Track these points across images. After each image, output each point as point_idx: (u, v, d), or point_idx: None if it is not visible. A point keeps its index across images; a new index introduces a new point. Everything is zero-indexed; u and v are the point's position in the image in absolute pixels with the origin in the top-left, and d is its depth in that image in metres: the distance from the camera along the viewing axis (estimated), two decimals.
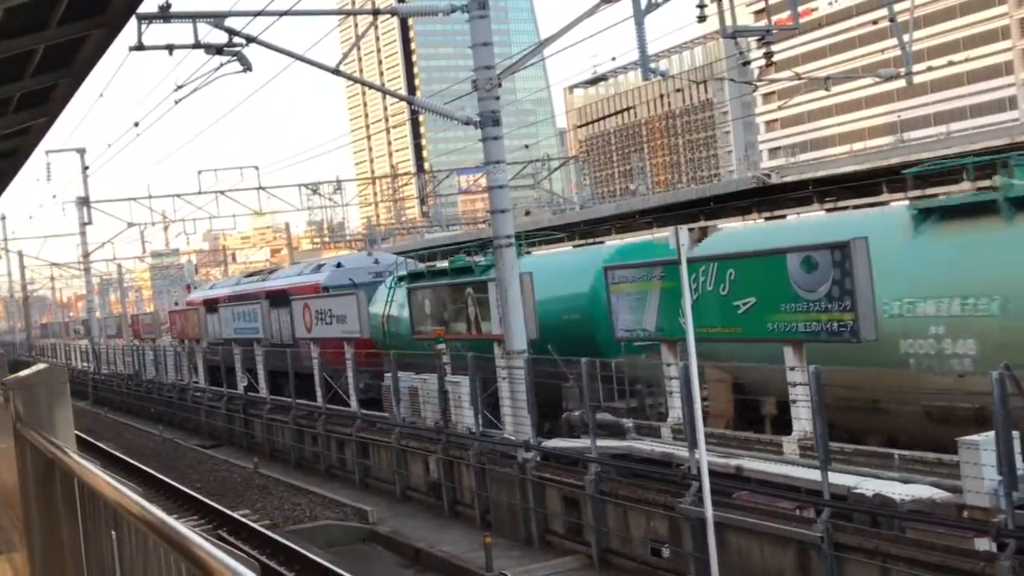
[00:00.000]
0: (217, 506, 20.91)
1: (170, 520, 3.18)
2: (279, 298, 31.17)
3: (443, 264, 27.51)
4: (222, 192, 52.00)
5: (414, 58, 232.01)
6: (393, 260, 30.50)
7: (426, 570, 16.79)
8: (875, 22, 57.07)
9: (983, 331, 12.32)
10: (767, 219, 34.09)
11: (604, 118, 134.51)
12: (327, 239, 78.05)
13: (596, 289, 19.16)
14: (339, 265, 31.81)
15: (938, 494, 11.11)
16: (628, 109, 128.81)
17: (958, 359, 12.55)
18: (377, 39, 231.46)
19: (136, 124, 40.34)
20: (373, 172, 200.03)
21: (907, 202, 21.39)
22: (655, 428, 16.40)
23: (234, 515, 19.91)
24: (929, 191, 30.60)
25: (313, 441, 25.65)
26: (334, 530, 19.26)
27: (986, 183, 15.16)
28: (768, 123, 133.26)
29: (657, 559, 14.15)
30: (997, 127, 75.68)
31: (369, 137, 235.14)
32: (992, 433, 10.16)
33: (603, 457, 15.66)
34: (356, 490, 22.53)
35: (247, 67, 18.63)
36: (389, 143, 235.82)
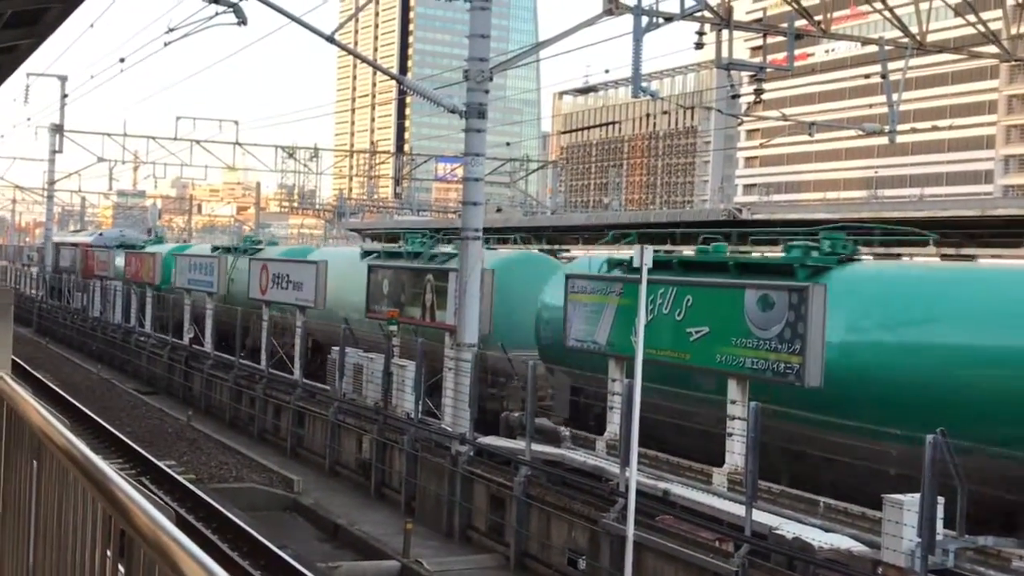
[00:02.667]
0: (144, 452, 20.78)
1: (93, 456, 3.17)
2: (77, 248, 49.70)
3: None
4: (198, 141, 51.60)
5: (410, 39, 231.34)
6: (136, 236, 53.00)
7: (343, 547, 16.77)
8: (867, 76, 57.64)
9: None
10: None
11: (588, 128, 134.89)
12: (296, 204, 77.67)
13: None
14: (101, 235, 54.21)
15: (856, 546, 11.23)
16: (613, 123, 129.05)
17: None
18: (376, 15, 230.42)
19: (122, 60, 39.86)
20: (352, 145, 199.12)
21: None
22: (591, 440, 16.47)
23: (159, 464, 19.80)
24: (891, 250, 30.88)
25: (251, 403, 25.54)
26: (257, 494, 19.20)
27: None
28: (748, 159, 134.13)
29: (573, 569, 14.22)
30: (971, 197, 76.73)
31: (354, 111, 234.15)
32: (918, 495, 10.30)
33: (535, 461, 15.71)
34: (286, 458, 22.46)
35: (242, 21, 18.52)
36: (372, 119, 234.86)
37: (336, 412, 21.27)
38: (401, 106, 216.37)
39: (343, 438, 21.16)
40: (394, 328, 20.85)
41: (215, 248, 37.10)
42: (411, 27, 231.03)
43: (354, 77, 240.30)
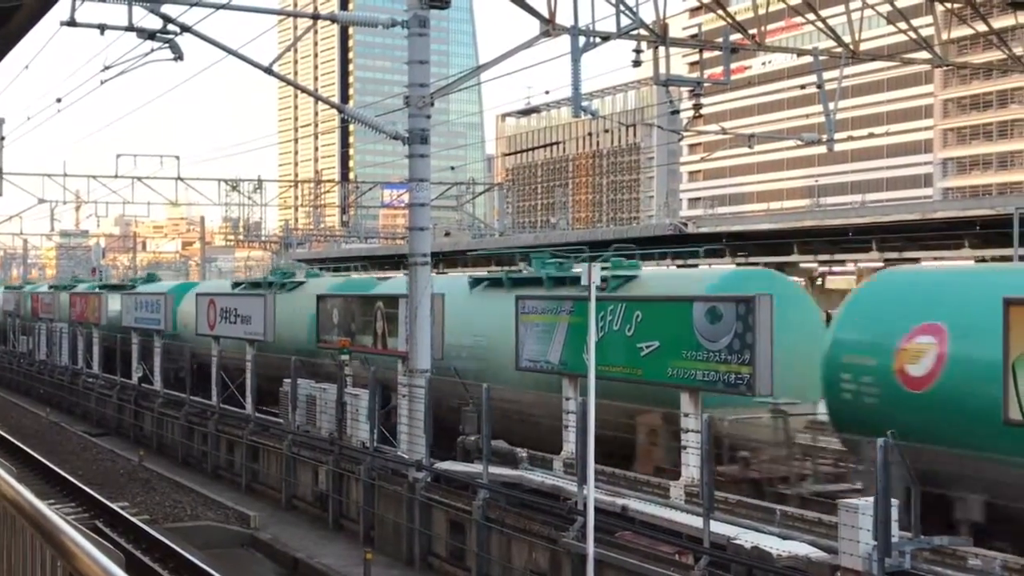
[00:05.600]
0: (96, 495, 20.48)
1: (39, 504, 3.13)
2: None
3: None
4: (139, 178, 51.17)
5: (350, 67, 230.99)
6: None
7: None
8: (803, 87, 58.43)
9: None
10: (680, 266, 34.46)
11: (532, 149, 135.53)
12: (242, 238, 77.18)
13: None
14: None
15: (814, 552, 11.30)
16: (556, 143, 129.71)
17: None
18: (315, 44, 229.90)
19: (59, 100, 39.50)
20: (296, 175, 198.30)
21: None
22: (548, 460, 16.48)
23: (112, 506, 19.52)
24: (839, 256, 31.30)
25: (203, 439, 25.27)
26: (213, 531, 18.97)
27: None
28: (691, 173, 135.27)
29: None
30: (911, 202, 77.85)
31: (296, 140, 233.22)
32: (872, 498, 10.40)
33: (494, 484, 15.68)
34: (241, 494, 22.23)
35: (179, 56, 18.41)
36: (316, 148, 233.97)
37: (290, 445, 21.10)
38: (344, 134, 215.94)
39: (299, 471, 20.99)
40: (346, 357, 20.74)
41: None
42: (350, 55, 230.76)
43: (296, 107, 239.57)
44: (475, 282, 21.44)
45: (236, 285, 32.65)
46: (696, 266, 32.83)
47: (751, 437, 14.35)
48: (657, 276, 19.93)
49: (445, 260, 49.81)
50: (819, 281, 32.65)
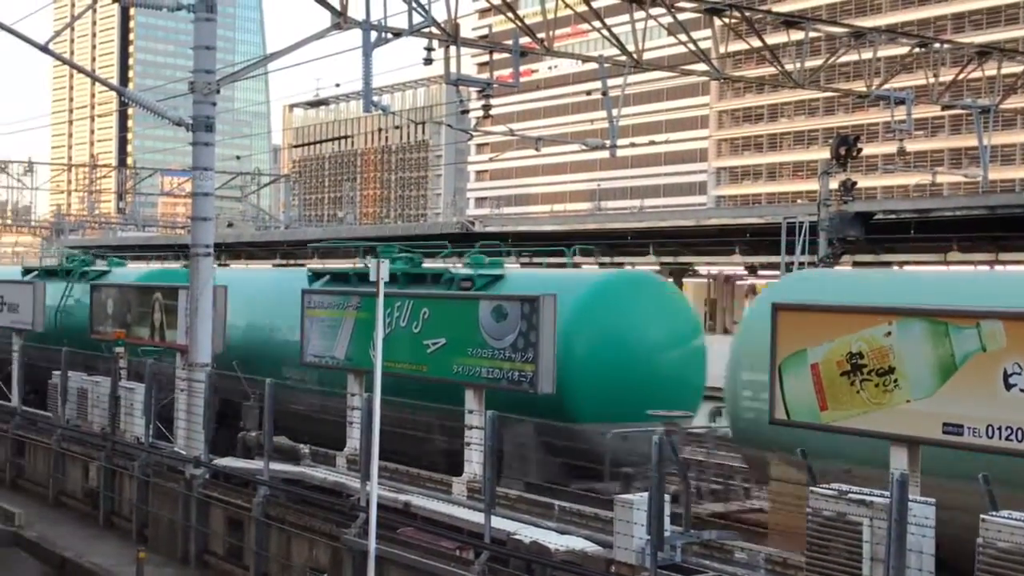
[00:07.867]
0: None
1: None
2: None
3: None
4: None
5: (131, 49, 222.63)
6: None
7: None
8: (588, 93, 59.89)
9: None
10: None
11: (321, 142, 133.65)
12: (10, 222, 73.51)
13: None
14: None
15: (590, 547, 11.62)
16: (346, 137, 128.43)
17: None
18: (94, 23, 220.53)
19: None
20: (70, 159, 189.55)
21: None
22: (331, 457, 16.36)
23: None
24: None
25: None
26: None
27: None
28: (479, 173, 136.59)
29: None
30: (686, 208, 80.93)
31: (71, 122, 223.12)
32: (646, 494, 10.77)
33: (274, 481, 15.45)
34: (5, 490, 21.17)
35: None
36: (92, 131, 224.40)
37: (60, 440, 20.22)
38: (123, 118, 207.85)
39: (68, 466, 20.14)
40: (121, 349, 20.03)
41: None
42: (132, 36, 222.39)
43: (71, 87, 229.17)
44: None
45: (28, 272, 29.23)
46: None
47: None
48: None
49: (228, 251, 48.79)
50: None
